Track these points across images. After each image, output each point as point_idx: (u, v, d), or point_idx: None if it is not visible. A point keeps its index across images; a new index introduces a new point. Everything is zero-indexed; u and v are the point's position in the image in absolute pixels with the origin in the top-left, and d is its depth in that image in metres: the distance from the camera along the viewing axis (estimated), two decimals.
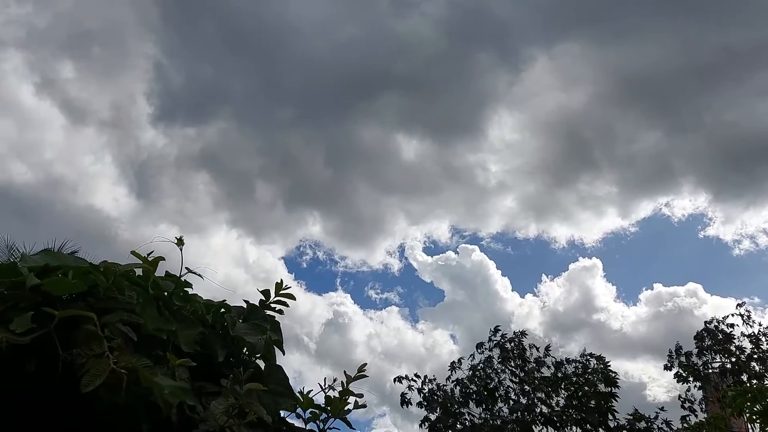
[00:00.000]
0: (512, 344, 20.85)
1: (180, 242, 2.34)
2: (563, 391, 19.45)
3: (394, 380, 20.06)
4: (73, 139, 52.56)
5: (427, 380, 20.63)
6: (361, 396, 2.44)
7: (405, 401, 20.09)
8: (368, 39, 51.26)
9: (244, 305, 2.76)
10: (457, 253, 46.88)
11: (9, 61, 49.52)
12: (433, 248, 52.32)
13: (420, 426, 19.71)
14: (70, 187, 49.34)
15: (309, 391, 2.49)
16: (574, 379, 19.42)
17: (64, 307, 1.84)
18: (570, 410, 19.03)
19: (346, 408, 2.40)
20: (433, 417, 19.49)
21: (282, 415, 2.42)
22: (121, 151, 52.46)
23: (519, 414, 19.19)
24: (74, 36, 51.71)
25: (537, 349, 20.77)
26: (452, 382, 20.57)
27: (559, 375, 19.78)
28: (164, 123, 55.02)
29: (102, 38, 52.66)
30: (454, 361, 21.27)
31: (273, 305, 2.85)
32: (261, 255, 55.41)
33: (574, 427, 18.77)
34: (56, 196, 47.40)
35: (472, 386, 20.22)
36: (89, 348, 1.78)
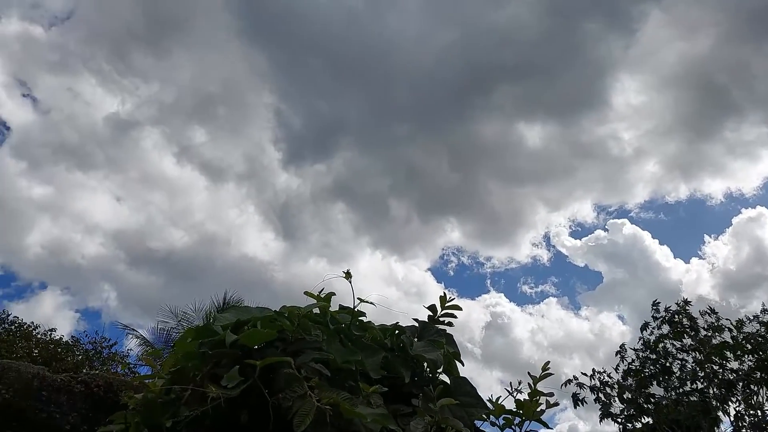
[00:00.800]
0: (679, 316, 19.65)
1: (348, 275, 2.43)
2: (747, 354, 18.05)
3: (562, 386, 19.46)
4: (217, 196, 56.16)
5: (596, 374, 19.86)
6: (551, 395, 2.41)
7: (578, 401, 19.46)
8: (468, 38, 50.97)
9: (415, 324, 2.83)
10: (606, 230, 45.01)
11: (148, 138, 54.12)
12: (579, 231, 50.62)
13: (600, 420, 19.01)
14: (223, 241, 52.65)
15: (498, 398, 2.50)
16: (759, 339, 17.97)
17: (261, 356, 1.97)
18: (757, 372, 17.61)
19: (539, 409, 2.38)
20: (612, 410, 18.79)
21: (477, 424, 2.43)
22: (261, 198, 55.42)
23: (698, 383, 18.03)
24: (199, 102, 55.60)
25: (710, 314, 19.43)
26: (623, 370, 19.70)
27: (740, 337, 18.39)
28: (294, 164, 57.48)
29: (223, 98, 56.25)
30: (619, 350, 20.36)
31: (442, 319, 2.89)
32: (408, 270, 56.26)
33: (763, 389, 17.35)
34: (213, 252, 50.71)
35: (646, 371, 19.25)
36: (292, 390, 1.90)
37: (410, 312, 2.84)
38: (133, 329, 22.54)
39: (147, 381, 2.03)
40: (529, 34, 49.75)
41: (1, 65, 52.85)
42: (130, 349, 23.50)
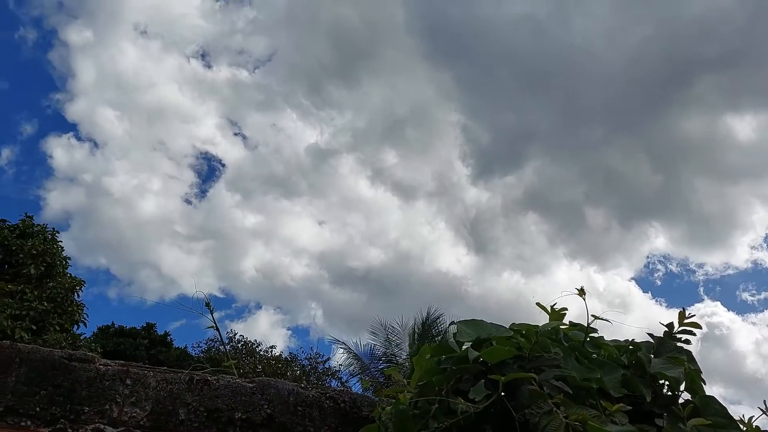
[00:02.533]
0: None
1: (581, 292, 2.41)
2: None
3: None
4: (409, 215, 58.14)
5: None
6: None
7: None
8: (663, 32, 48.01)
9: (650, 340, 2.72)
10: None
11: (345, 165, 57.59)
12: None
13: None
14: (417, 257, 54.28)
15: (750, 417, 2.32)
16: None
17: (501, 372, 2.03)
18: None
19: None
20: None
21: None
22: (451, 214, 56.36)
23: None
24: (389, 126, 58.21)
25: None
26: None
27: None
28: (483, 179, 57.85)
29: (411, 120, 58.37)
30: None
31: (678, 336, 2.76)
32: (609, 281, 53.69)
33: None
34: (408, 269, 52.50)
35: None
36: (537, 406, 1.93)
37: (619, 325, 2.75)
38: (342, 343, 23.86)
39: (397, 394, 2.17)
40: (731, 21, 45.51)
41: (215, 108, 59.51)
42: (341, 365, 24.88)
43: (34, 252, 19.90)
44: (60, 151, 53.16)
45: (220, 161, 58.62)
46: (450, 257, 55.21)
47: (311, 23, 60.40)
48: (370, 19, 58.11)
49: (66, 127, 55.90)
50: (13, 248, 20.02)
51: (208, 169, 57.72)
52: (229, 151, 59.37)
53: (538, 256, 54.19)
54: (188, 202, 55.37)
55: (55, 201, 50.93)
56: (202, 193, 56.30)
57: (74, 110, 54.90)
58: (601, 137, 53.41)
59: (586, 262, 56.15)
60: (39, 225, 21.07)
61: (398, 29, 57.86)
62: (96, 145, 53.87)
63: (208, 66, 60.19)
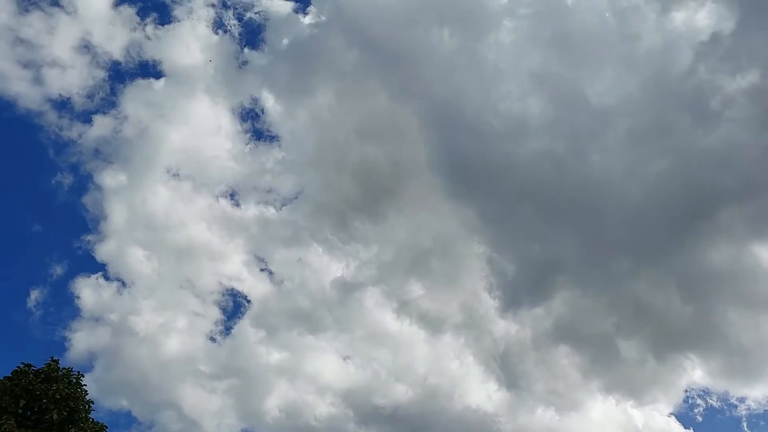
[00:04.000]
0: None
1: None
2: None
3: None
4: (436, 348, 56.96)
5: None
6: None
7: None
8: (681, 164, 48.98)
9: None
10: None
11: (370, 298, 57.44)
12: None
13: None
14: (446, 394, 52.53)
15: None
16: None
17: None
18: None
19: None
20: None
21: None
22: (480, 347, 55.12)
23: None
24: (414, 259, 58.54)
25: None
26: None
27: None
28: (511, 311, 57.05)
29: (437, 253, 58.75)
30: None
31: None
32: (648, 416, 51.13)
33: None
34: (437, 406, 50.67)
35: None
36: None
37: None
38: None
39: None
40: (749, 152, 46.33)
41: (242, 245, 60.55)
42: None
43: (58, 396, 19.64)
44: (88, 291, 53.95)
45: (245, 297, 58.73)
46: (480, 393, 53.38)
47: (338, 162, 62.61)
48: (394, 158, 60.21)
49: (95, 267, 57.08)
50: (37, 393, 19.82)
51: (234, 306, 57.83)
52: (254, 287, 59.74)
53: (572, 391, 52.22)
54: (213, 339, 55.04)
55: (80, 341, 50.99)
56: (227, 330, 56.06)
57: (104, 251, 56.23)
58: (628, 268, 53.03)
59: (622, 396, 53.82)
60: (64, 369, 20.94)
61: (421, 167, 59.74)
62: (123, 284, 54.62)
63: (237, 204, 62.06)
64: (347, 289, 58.91)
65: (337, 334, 57.52)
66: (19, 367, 20.35)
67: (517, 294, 56.09)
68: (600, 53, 57.40)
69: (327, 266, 60.97)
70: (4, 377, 20.05)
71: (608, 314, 53.65)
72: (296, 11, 66.04)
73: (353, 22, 59.90)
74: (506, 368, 53.43)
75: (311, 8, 66.69)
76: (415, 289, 58.34)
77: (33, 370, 20.43)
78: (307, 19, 64.70)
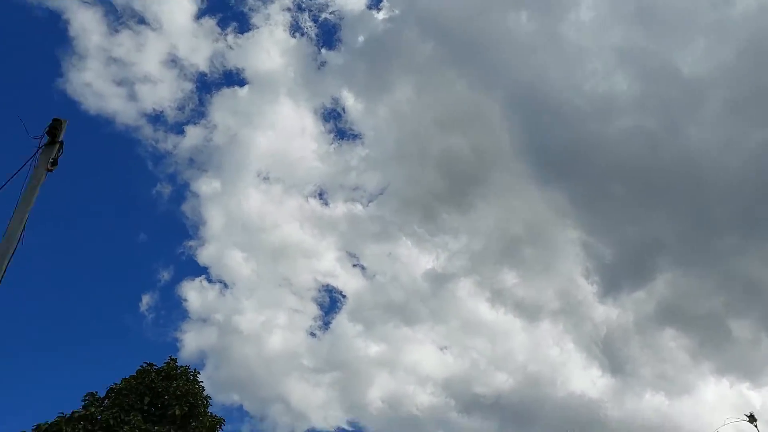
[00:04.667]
0: None
1: (752, 419, 2.41)
2: None
3: None
4: (535, 336, 56.40)
5: None
6: None
7: None
8: None
9: None
10: None
11: (463, 289, 57.46)
12: None
13: None
14: (547, 381, 51.93)
15: None
16: None
17: None
18: None
19: None
20: None
21: None
22: (580, 334, 54.12)
23: None
24: (506, 247, 58.11)
25: None
26: None
27: None
28: (611, 295, 55.70)
29: (528, 240, 58.10)
30: None
31: None
32: (766, 398, 48.58)
33: None
34: (539, 393, 50.18)
35: None
36: None
37: None
38: None
39: None
40: None
41: (334, 243, 61.94)
42: None
43: (179, 393, 20.91)
44: (194, 294, 56.64)
45: (340, 293, 60.21)
46: (583, 379, 52.38)
47: (421, 155, 63.06)
48: (478, 146, 59.97)
49: (198, 271, 59.96)
50: (160, 390, 21.15)
51: (330, 302, 59.35)
52: (348, 282, 61.07)
53: (682, 375, 50.38)
54: (313, 335, 56.64)
55: (191, 341, 53.60)
56: (326, 325, 57.59)
57: (205, 255, 58.90)
58: (734, 245, 50.55)
59: (736, 378, 51.41)
60: (182, 366, 22.24)
61: (506, 154, 59.19)
62: (225, 285, 57.04)
63: (326, 203, 63.53)
64: (439, 280, 59.19)
65: (433, 325, 57.96)
66: (142, 366, 21.78)
67: (615, 278, 54.62)
68: (689, 22, 55.03)
69: (417, 259, 61.54)
70: (130, 376, 21.48)
71: (716, 294, 51.39)
72: (370, 7, 67.01)
73: (427, 14, 59.99)
74: (609, 354, 52.20)
75: (384, 3, 67.47)
76: (509, 278, 57.88)
77: (154, 369, 21.80)
78: (380, 15, 65.39)
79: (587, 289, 55.78)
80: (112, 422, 19.71)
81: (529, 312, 56.82)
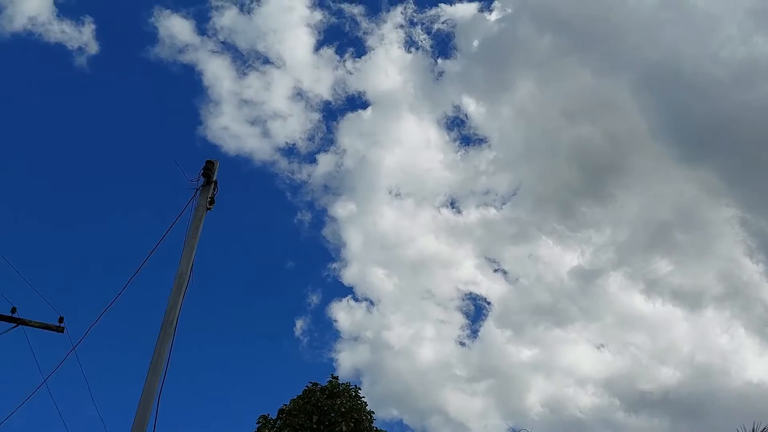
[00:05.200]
0: None
1: None
2: None
3: None
4: (698, 325, 52.69)
5: None
6: None
7: None
8: None
9: None
10: None
11: (613, 283, 54.95)
12: None
13: None
14: (719, 371, 48.25)
15: None
16: None
17: None
18: None
19: None
20: None
21: None
22: (750, 318, 49.94)
23: None
24: (655, 234, 55.01)
25: None
26: None
27: None
28: None
29: (679, 224, 54.62)
30: None
31: None
32: None
33: None
34: (711, 385, 46.65)
35: None
36: None
37: None
38: None
39: None
40: None
41: (471, 249, 61.43)
42: None
43: (344, 410, 21.58)
44: (342, 314, 58.33)
45: (485, 299, 59.31)
46: (760, 366, 48.10)
47: (552, 150, 61.11)
48: (611, 133, 57.27)
49: (344, 291, 61.58)
50: (325, 408, 21.95)
51: (475, 309, 58.64)
52: (491, 288, 60.10)
53: None
54: (462, 344, 56.34)
55: (346, 360, 55.15)
56: (473, 333, 56.99)
57: (349, 275, 60.42)
58: None
59: None
60: (344, 384, 22.97)
61: (643, 137, 55.96)
62: (371, 303, 58.23)
63: (458, 211, 63.27)
64: (587, 276, 56.87)
65: (585, 323, 55.68)
66: (307, 386, 22.74)
67: None
68: None
69: (560, 257, 59.46)
70: (297, 397, 22.50)
71: None
72: (481, 10, 65.97)
73: (541, 7, 58.37)
74: None
75: (496, 4, 66.29)
76: (662, 266, 54.50)
77: (318, 387, 22.68)
78: (493, 16, 64.34)
79: (752, 269, 51.27)
80: None
81: (689, 300, 53.16)
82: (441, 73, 64.12)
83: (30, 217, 49.43)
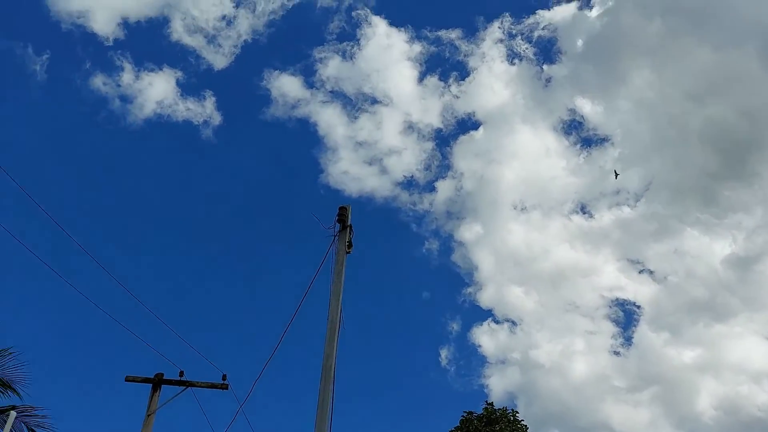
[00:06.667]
0: None
1: None
2: None
3: None
4: None
5: None
6: None
7: None
8: None
9: None
10: None
11: None
12: None
13: None
14: None
15: None
16: None
17: None
18: None
19: None
20: None
21: None
22: None
23: None
24: None
25: None
26: None
27: None
28: None
29: None
30: None
31: None
32: None
33: None
34: None
35: None
36: None
37: None
38: None
39: None
40: None
41: (611, 254, 58.77)
42: None
43: None
44: (485, 338, 57.47)
45: (633, 304, 56.38)
46: None
47: (681, 137, 57.82)
48: (744, 109, 53.37)
49: (483, 315, 60.74)
50: None
51: (625, 316, 55.85)
52: (639, 291, 57.13)
53: None
54: (616, 353, 53.70)
55: (497, 385, 54.14)
56: (627, 341, 54.21)
57: (485, 298, 59.61)
58: None
59: None
60: (500, 409, 22.53)
61: None
62: (513, 323, 57.04)
63: (590, 216, 60.94)
64: (743, 264, 52.74)
65: (750, 314, 51.47)
66: (463, 415, 22.52)
67: None
68: None
69: (709, 247, 55.65)
70: (455, 428, 22.31)
71: None
72: (581, 8, 64.36)
73: None
74: None
75: (594, 0, 64.47)
76: None
77: (475, 416, 22.37)
78: (594, 12, 62.49)
79: None
80: None
81: None
82: (549, 80, 62.78)
83: (178, 283, 52.89)
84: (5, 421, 14.60)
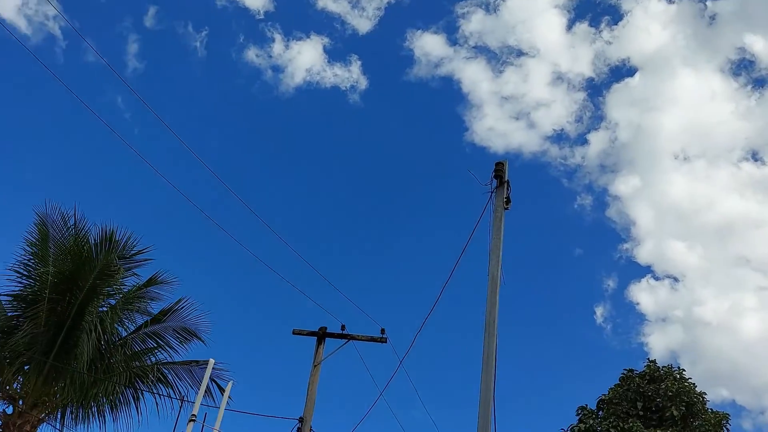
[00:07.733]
0: None
1: None
2: None
3: None
4: None
5: None
6: None
7: None
8: None
9: None
10: None
11: None
12: None
13: None
14: None
15: None
16: None
17: None
18: None
19: None
20: None
21: None
22: None
23: None
24: None
25: None
26: None
27: None
28: None
29: None
30: None
31: None
32: None
33: None
34: None
35: None
36: None
37: None
38: None
39: None
40: None
41: None
42: None
43: (671, 393, 20.21)
44: (644, 295, 54.81)
45: None
46: None
47: None
48: None
49: (641, 271, 57.81)
50: (649, 394, 20.75)
51: None
52: None
53: None
54: None
55: (657, 343, 51.70)
56: None
57: (644, 254, 56.61)
58: None
59: None
60: (665, 367, 21.53)
61: None
62: (675, 279, 53.85)
63: (763, 163, 55.61)
64: None
65: None
66: (623, 373, 21.78)
67: None
68: None
69: None
70: (615, 385, 21.67)
71: None
72: None
73: None
74: None
75: None
76: None
77: (636, 373, 21.57)
78: None
79: None
80: (612, 431, 20.02)
81: None
82: (713, 17, 57.34)
83: (339, 243, 55.19)
84: (191, 372, 16.11)
